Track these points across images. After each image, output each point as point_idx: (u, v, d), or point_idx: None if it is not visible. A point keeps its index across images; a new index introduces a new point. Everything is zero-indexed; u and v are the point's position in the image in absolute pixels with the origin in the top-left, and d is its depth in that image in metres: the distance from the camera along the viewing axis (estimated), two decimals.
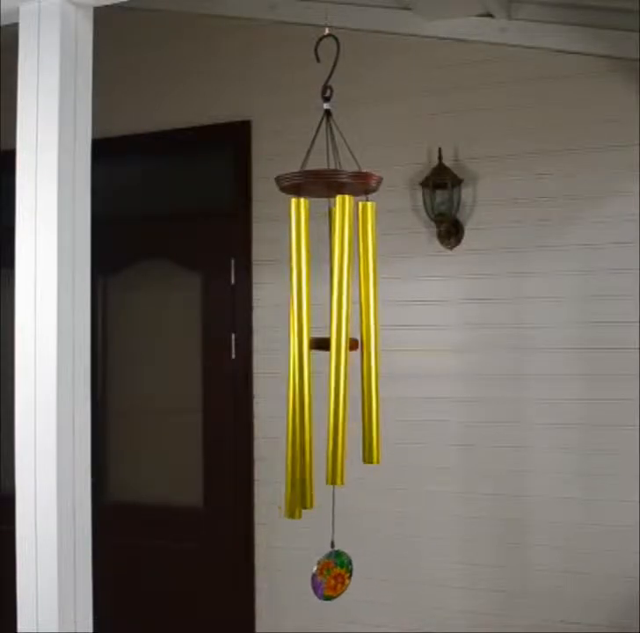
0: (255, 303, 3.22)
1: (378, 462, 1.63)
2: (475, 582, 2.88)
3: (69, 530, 1.30)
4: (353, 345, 1.63)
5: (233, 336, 3.26)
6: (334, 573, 1.74)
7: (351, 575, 1.79)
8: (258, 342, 3.20)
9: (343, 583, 1.77)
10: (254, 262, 3.22)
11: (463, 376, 2.92)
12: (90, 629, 1.34)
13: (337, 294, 1.54)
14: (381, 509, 3.00)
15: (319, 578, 1.72)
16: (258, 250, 3.21)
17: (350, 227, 1.54)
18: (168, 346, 3.43)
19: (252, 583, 3.20)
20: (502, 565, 2.86)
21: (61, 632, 1.28)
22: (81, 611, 1.32)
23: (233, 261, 3.27)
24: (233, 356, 3.26)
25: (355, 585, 3.10)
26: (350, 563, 1.78)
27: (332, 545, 1.75)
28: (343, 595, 1.80)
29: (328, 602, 1.77)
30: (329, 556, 1.74)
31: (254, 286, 3.22)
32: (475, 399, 2.89)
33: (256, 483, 3.19)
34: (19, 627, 1.30)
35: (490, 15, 2.77)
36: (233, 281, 3.27)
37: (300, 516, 1.61)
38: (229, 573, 3.25)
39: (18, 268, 1.34)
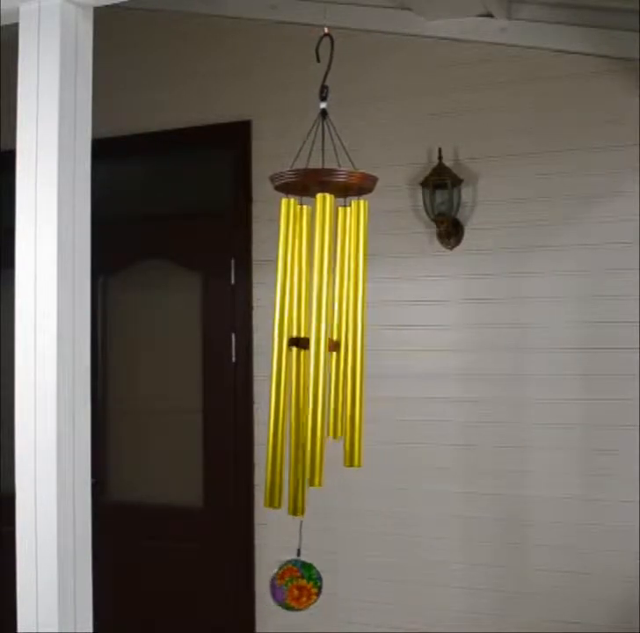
0: (255, 303, 3.22)
1: (359, 465, 1.61)
2: (475, 582, 2.88)
3: (69, 530, 1.30)
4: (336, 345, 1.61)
5: (233, 336, 3.26)
6: (299, 584, 1.68)
7: (319, 592, 1.69)
8: (258, 342, 3.19)
9: (309, 597, 1.68)
10: (254, 262, 3.22)
11: (463, 376, 2.91)
12: (91, 629, 1.34)
13: (316, 293, 1.53)
14: (382, 509, 3.00)
15: (277, 583, 1.66)
16: (258, 250, 3.20)
17: (330, 226, 1.54)
18: (168, 347, 3.43)
19: (252, 583, 3.20)
20: (502, 565, 2.86)
21: (61, 632, 1.28)
22: (81, 611, 1.32)
23: (233, 261, 3.27)
24: (233, 358, 3.25)
25: (355, 585, 3.11)
26: (319, 579, 1.69)
27: (298, 553, 1.69)
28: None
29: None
30: (295, 562, 1.68)
31: (254, 286, 3.22)
32: (475, 399, 2.89)
33: (256, 483, 3.19)
34: (19, 627, 1.30)
35: (490, 15, 2.77)
36: (233, 281, 3.27)
37: (279, 505, 1.59)
38: (229, 573, 3.25)
39: (18, 268, 1.34)
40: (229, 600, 3.24)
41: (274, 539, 3.14)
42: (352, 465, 1.60)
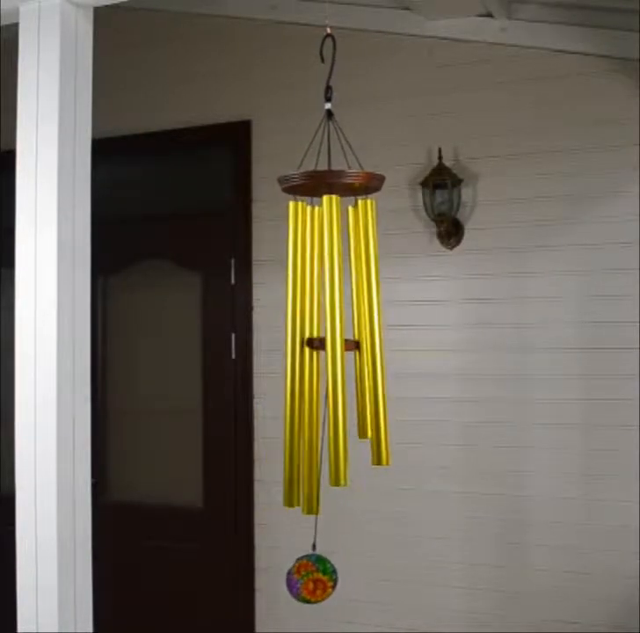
0: (255, 303, 3.22)
1: (388, 464, 1.62)
2: (475, 582, 2.88)
3: (69, 530, 1.30)
4: (354, 346, 1.62)
5: (233, 336, 3.26)
6: (314, 577, 1.70)
7: (335, 585, 1.72)
8: (258, 342, 3.20)
9: (324, 590, 1.71)
10: (254, 262, 3.22)
11: (463, 376, 2.91)
12: (91, 629, 1.34)
13: (329, 295, 1.54)
14: (382, 509, 3.00)
15: (295, 577, 1.69)
16: (258, 250, 3.21)
17: (337, 227, 1.54)
18: (168, 346, 3.43)
19: (252, 583, 3.20)
20: (502, 565, 2.86)
21: (61, 632, 1.28)
22: (81, 611, 1.32)
23: (233, 261, 3.27)
24: (233, 356, 3.26)
25: (355, 585, 3.11)
26: (334, 572, 1.72)
27: (314, 548, 1.72)
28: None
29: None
30: (309, 557, 1.71)
31: (254, 286, 3.22)
32: (475, 399, 2.89)
33: (256, 483, 3.19)
34: (19, 627, 1.30)
35: (490, 15, 2.77)
36: (233, 281, 3.27)
37: (299, 504, 1.60)
38: (229, 573, 3.25)
39: (18, 268, 1.34)
40: (228, 600, 3.24)
41: (274, 539, 3.14)
42: (380, 463, 1.61)
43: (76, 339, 1.33)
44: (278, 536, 3.13)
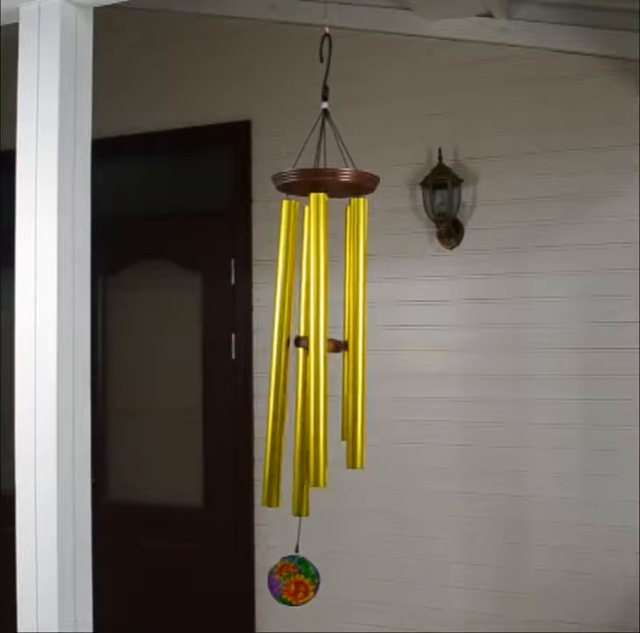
0: (255, 303, 3.22)
1: (362, 467, 1.60)
2: (475, 582, 2.88)
3: (69, 530, 1.30)
4: (341, 346, 1.61)
5: (233, 336, 3.26)
6: (296, 579, 1.68)
7: (316, 588, 1.70)
8: (258, 342, 3.20)
9: (306, 593, 1.69)
10: (254, 262, 3.22)
11: (463, 376, 2.91)
12: (90, 629, 1.34)
13: (314, 294, 1.52)
14: (382, 509, 3.00)
15: (276, 577, 1.68)
16: (258, 250, 3.21)
17: (324, 225, 1.53)
18: (168, 346, 3.43)
19: (252, 583, 3.20)
20: (502, 565, 2.86)
21: (61, 632, 1.28)
22: (81, 611, 1.32)
23: (233, 261, 3.27)
24: (233, 356, 3.26)
25: (355, 585, 3.11)
26: (316, 575, 1.70)
27: (297, 550, 1.71)
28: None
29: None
30: (291, 558, 1.69)
31: (254, 286, 3.22)
32: (475, 399, 2.89)
33: (256, 483, 3.19)
34: (19, 627, 1.30)
35: (490, 15, 2.77)
36: (233, 281, 3.27)
37: (278, 504, 1.59)
38: (229, 573, 3.25)
39: (18, 268, 1.34)
40: (229, 599, 3.24)
41: (274, 539, 3.14)
42: (354, 467, 1.59)
43: (76, 339, 1.33)
44: (278, 536, 3.12)
